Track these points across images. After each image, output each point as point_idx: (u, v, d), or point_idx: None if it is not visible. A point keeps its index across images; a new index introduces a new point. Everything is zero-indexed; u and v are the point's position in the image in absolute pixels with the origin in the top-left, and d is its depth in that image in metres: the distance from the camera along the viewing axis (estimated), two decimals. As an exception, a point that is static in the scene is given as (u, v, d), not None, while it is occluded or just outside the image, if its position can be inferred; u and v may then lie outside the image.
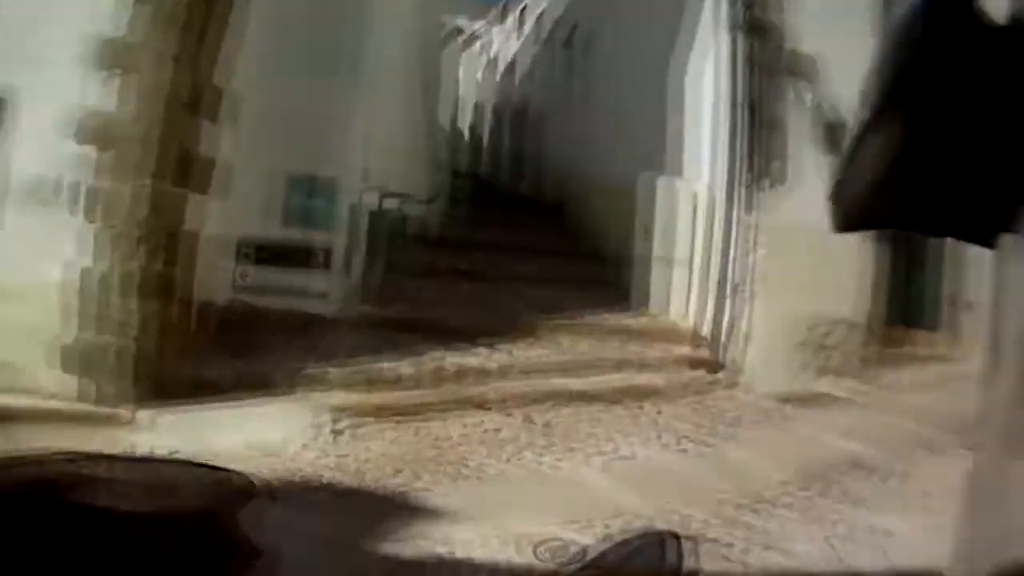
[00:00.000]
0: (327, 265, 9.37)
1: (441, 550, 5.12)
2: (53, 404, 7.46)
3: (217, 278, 8.75)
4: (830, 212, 1.64)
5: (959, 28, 1.15)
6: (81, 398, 7.53)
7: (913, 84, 1.26)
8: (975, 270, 13.41)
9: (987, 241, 1.42)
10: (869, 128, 1.38)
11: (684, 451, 8.00)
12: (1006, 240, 1.34)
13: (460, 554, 5.11)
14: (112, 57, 7.75)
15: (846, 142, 1.49)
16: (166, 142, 7.54)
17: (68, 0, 8.19)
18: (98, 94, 7.74)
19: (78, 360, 7.56)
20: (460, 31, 27.12)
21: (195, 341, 8.21)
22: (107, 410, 7.29)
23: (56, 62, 8.03)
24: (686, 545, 4.96)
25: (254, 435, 6.97)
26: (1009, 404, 1.30)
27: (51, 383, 7.65)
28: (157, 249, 7.55)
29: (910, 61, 1.24)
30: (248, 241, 9.10)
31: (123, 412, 7.24)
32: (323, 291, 9.33)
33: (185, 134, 7.75)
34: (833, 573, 5.53)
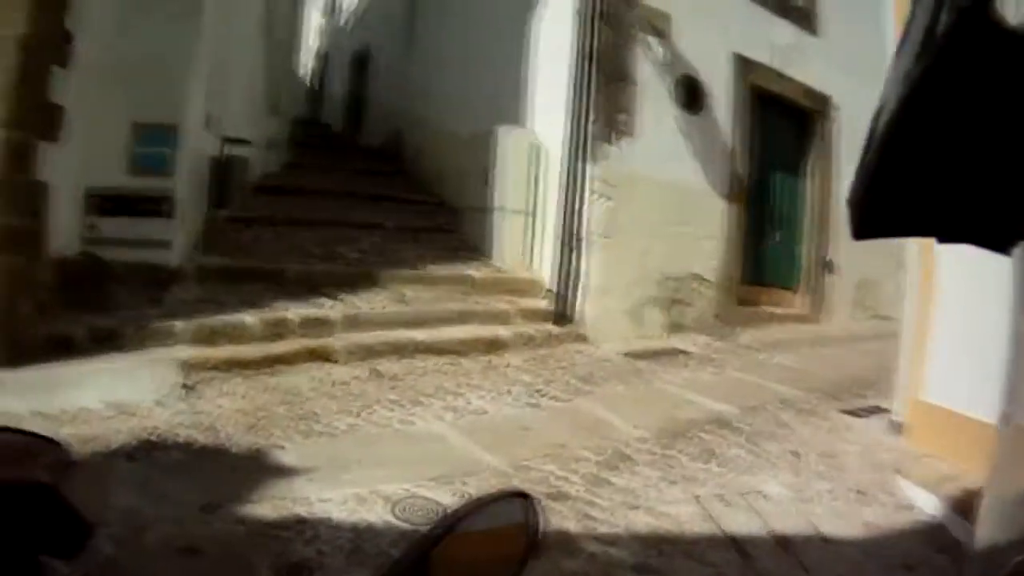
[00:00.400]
0: (170, 214, 9.17)
1: (300, 511, 5.10)
2: None
3: (66, 230, 8.45)
4: (849, 219, 1.66)
5: (978, 36, 1.18)
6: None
7: (932, 91, 1.30)
8: (837, 232, 14.17)
9: (1004, 247, 1.47)
10: (888, 135, 1.43)
11: (536, 406, 8.16)
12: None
13: (319, 515, 5.10)
14: None
15: (864, 149, 1.53)
16: (20, 89, 7.21)
17: None
18: None
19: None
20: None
21: (49, 296, 7.95)
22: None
23: None
24: (542, 504, 5.19)
25: (108, 393, 6.85)
26: None
27: None
28: (8, 201, 7.24)
29: (929, 68, 1.27)
30: (95, 191, 8.83)
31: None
32: (166, 240, 9.15)
33: (37, 80, 7.44)
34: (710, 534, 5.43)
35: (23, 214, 7.47)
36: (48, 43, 7.52)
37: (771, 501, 6.21)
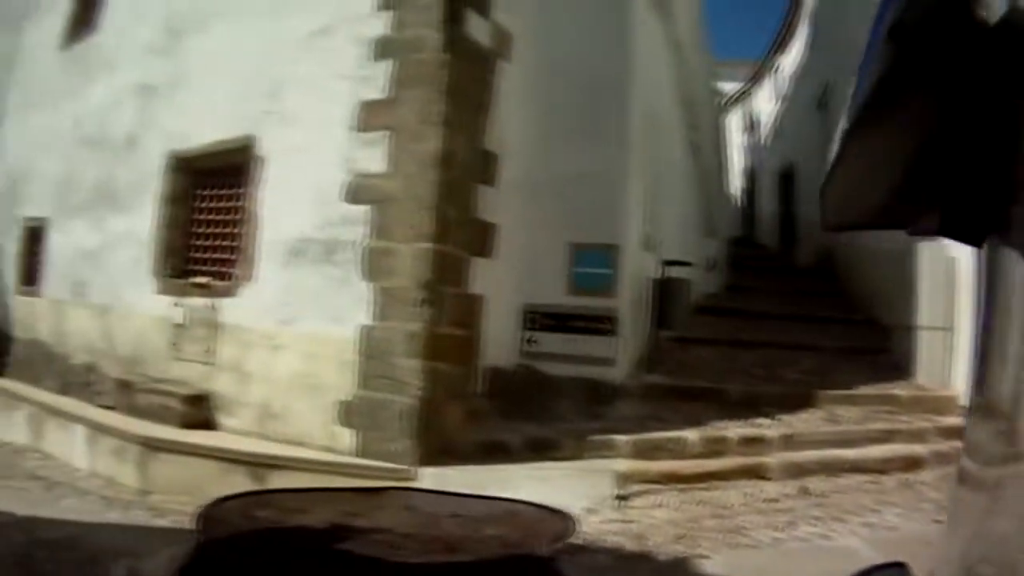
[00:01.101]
0: (612, 332, 9.46)
1: None
2: (330, 457, 7.98)
3: (504, 343, 8.99)
4: (820, 208, 1.61)
5: (951, 25, 1.07)
6: (359, 454, 7.97)
7: (904, 82, 1.19)
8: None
9: (976, 240, 1.37)
10: (859, 125, 1.31)
11: (942, 522, 7.59)
12: (994, 239, 1.30)
13: None
14: (375, 119, 8.31)
15: (837, 138, 1.40)
16: (442, 205, 7.85)
17: (318, 63, 9.00)
18: (363, 155, 8.33)
19: (358, 416, 8.02)
20: (720, 94, 27.09)
21: (481, 404, 8.45)
22: (388, 465, 7.64)
23: (310, 122, 8.88)
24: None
25: (540, 497, 7.05)
26: (1008, 404, 1.20)
27: (326, 436, 8.22)
28: (440, 311, 7.84)
29: (901, 58, 1.16)
30: (535, 308, 9.39)
31: (404, 469, 7.55)
32: (608, 358, 9.44)
33: (461, 197, 8.06)
34: None
35: (457, 325, 8.02)
36: (469, 162, 8.12)
37: None
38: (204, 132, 10.03)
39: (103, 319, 11.41)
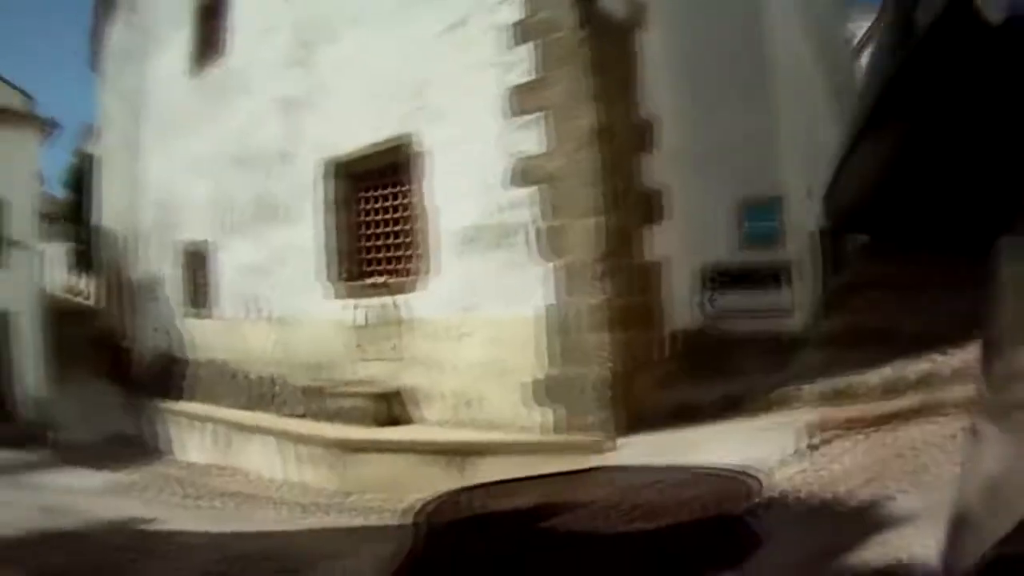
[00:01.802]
0: (786, 283, 9.48)
1: (902, 555, 5.03)
2: (529, 437, 8.22)
3: (685, 305, 9.10)
4: (823, 210, 1.67)
5: (955, 29, 1.13)
6: (554, 431, 8.19)
7: (908, 86, 1.25)
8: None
9: (983, 246, 1.38)
10: (864, 130, 1.38)
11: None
12: (1000, 245, 1.31)
13: (919, 558, 5.07)
14: (527, 102, 8.51)
15: (840, 146, 1.49)
16: (607, 178, 8.05)
17: (458, 55, 9.27)
18: (521, 138, 8.53)
19: (550, 394, 8.23)
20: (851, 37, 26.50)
21: (669, 368, 8.54)
22: (585, 439, 7.80)
23: (463, 113, 9.15)
24: None
25: (734, 454, 7.13)
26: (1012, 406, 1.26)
27: (520, 417, 8.46)
28: (620, 281, 8.01)
29: (905, 63, 1.22)
30: (711, 267, 9.47)
31: (604, 441, 7.70)
32: (785, 309, 9.46)
33: (624, 169, 8.18)
34: None
35: (638, 293, 8.15)
36: (625, 133, 8.25)
37: None
38: (356, 136, 10.42)
39: (281, 330, 11.94)
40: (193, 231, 14.50)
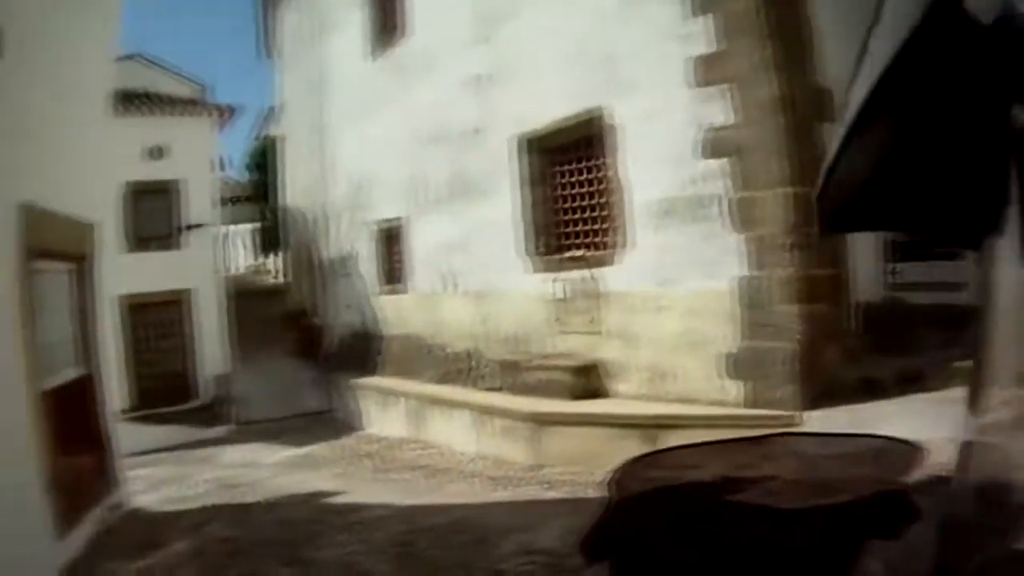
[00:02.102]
0: (960, 256, 9.22)
1: None
2: (721, 411, 8.31)
3: (870, 277, 9.05)
4: (817, 213, 1.68)
5: (947, 28, 1.11)
6: (746, 404, 8.29)
7: (900, 85, 1.24)
8: None
9: (973, 243, 1.40)
10: (856, 130, 1.37)
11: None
12: (991, 242, 1.31)
13: None
14: (711, 73, 8.56)
15: (833, 144, 1.46)
16: (793, 147, 8.09)
17: (640, 28, 9.34)
18: (708, 110, 8.58)
19: (743, 366, 8.37)
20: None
21: (854, 341, 8.45)
22: (775, 413, 7.87)
23: (650, 85, 9.23)
24: None
25: (910, 431, 7.00)
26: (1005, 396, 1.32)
27: (713, 390, 8.59)
28: (810, 253, 8.06)
29: (897, 62, 1.20)
30: (894, 237, 9.26)
31: (790, 415, 7.76)
32: (959, 282, 9.19)
33: (808, 137, 8.10)
34: None
35: (826, 265, 8.14)
36: (807, 101, 8.19)
37: None
38: (548, 111, 10.63)
39: (478, 305, 12.34)
40: (387, 209, 15.03)
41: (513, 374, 11.04)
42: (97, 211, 8.95)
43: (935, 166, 1.39)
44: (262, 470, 12.59)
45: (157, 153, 17.88)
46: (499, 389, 11.32)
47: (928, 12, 1.10)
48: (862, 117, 1.32)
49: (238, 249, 33.68)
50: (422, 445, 12.30)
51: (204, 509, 8.95)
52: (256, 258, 32.48)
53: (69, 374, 7.99)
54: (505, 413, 10.40)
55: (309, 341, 19.12)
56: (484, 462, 10.54)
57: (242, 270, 33.84)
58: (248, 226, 31.11)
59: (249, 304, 22.30)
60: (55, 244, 7.55)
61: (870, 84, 1.26)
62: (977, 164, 1.30)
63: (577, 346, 10.28)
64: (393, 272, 15.12)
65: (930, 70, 1.18)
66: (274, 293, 23.69)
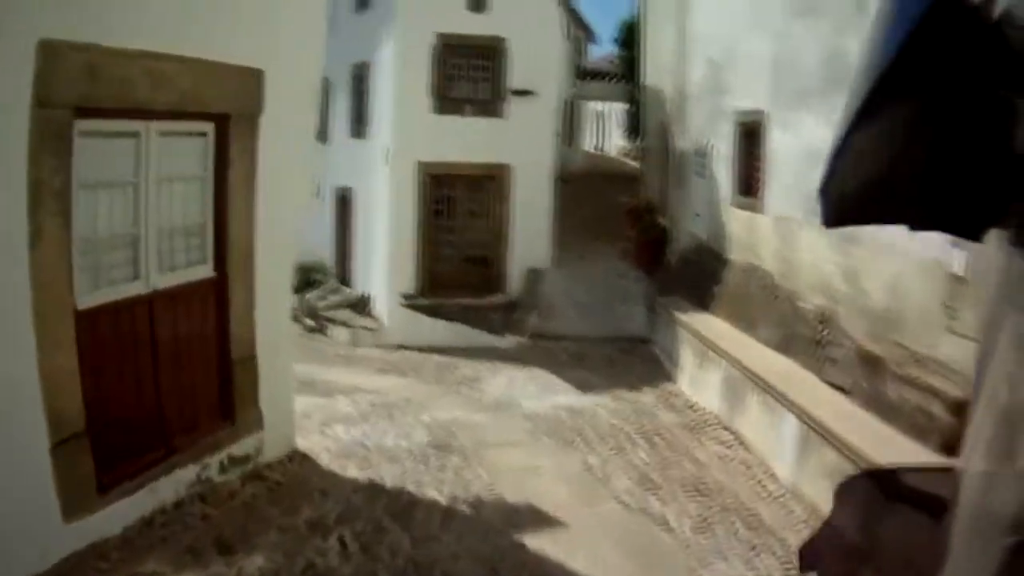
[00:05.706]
0: None
1: None
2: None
3: None
4: (820, 207, 1.73)
5: (951, 23, 1.22)
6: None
7: (904, 80, 1.33)
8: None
9: (975, 235, 1.51)
10: (859, 123, 1.44)
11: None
12: (994, 234, 1.40)
13: None
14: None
15: (835, 137, 1.54)
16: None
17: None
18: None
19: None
20: None
21: None
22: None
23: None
24: None
25: None
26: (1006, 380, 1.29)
27: None
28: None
29: (901, 56, 1.30)
30: None
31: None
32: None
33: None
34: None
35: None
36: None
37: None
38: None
39: (844, 252, 8.67)
40: (748, 98, 11.78)
41: (872, 376, 7.46)
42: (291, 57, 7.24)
43: (940, 159, 1.43)
44: (512, 422, 10.19)
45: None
46: (847, 392, 7.78)
47: (933, 4, 1.20)
48: (866, 111, 1.38)
49: (612, 128, 33.44)
50: (730, 440, 9.21)
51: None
52: (625, 140, 30.90)
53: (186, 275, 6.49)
54: (837, 442, 6.86)
55: (648, 245, 16.31)
56: (797, 504, 7.35)
57: (612, 152, 33.27)
58: (622, 105, 29.24)
59: (595, 188, 21.15)
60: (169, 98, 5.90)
61: (874, 75, 1.33)
62: (981, 155, 1.35)
63: (967, 359, 6.04)
64: (749, 180, 11.78)
65: (935, 61, 1.25)
66: (632, 180, 20.91)
